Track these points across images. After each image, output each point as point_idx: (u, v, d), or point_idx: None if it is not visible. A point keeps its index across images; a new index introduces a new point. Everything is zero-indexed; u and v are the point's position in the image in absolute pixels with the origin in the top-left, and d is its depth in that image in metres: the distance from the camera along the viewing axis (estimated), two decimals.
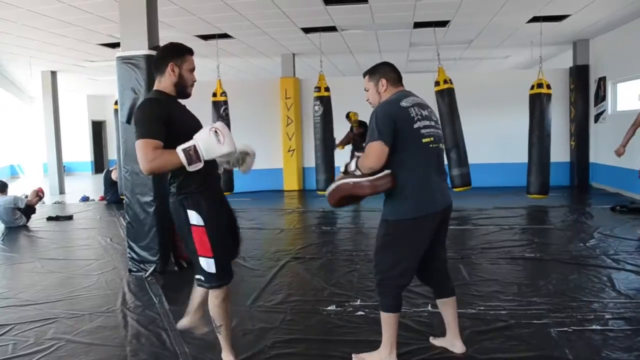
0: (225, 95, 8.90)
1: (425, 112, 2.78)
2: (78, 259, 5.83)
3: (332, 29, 8.73)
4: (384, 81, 2.90)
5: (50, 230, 7.67)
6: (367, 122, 2.83)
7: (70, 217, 8.58)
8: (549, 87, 7.75)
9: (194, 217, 2.69)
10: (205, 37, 9.01)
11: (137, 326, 3.67)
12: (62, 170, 13.27)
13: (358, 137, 8.56)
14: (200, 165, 2.55)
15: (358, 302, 3.94)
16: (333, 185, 2.85)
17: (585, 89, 10.39)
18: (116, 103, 8.60)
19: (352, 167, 2.79)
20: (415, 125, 2.70)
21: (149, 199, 5.01)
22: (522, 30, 9.19)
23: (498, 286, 4.23)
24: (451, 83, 7.61)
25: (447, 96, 7.55)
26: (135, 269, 5.04)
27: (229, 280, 2.81)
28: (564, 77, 10.58)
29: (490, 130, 10.66)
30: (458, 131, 7.54)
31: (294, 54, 11.15)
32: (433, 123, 2.80)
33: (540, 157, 7.77)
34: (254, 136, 9.59)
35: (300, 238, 6.71)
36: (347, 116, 8.61)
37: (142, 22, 4.99)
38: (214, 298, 2.80)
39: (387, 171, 2.70)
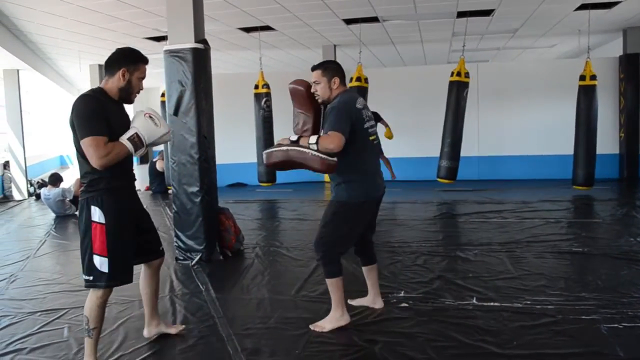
0: (268, 87, 8.90)
1: (369, 113, 3.26)
2: None
3: (374, 19, 8.67)
4: (336, 79, 3.25)
5: None
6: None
7: None
8: (592, 78, 7.57)
9: (97, 214, 2.71)
10: (247, 30, 9.08)
11: (185, 312, 3.78)
12: None
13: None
14: (143, 151, 2.75)
15: (402, 294, 3.94)
16: (281, 148, 3.13)
17: (636, 78, 9.98)
18: (163, 95, 8.79)
19: (313, 140, 3.02)
20: (365, 126, 3.18)
21: (195, 189, 5.10)
22: (570, 18, 8.90)
23: (545, 280, 4.15)
24: (467, 77, 7.42)
25: (460, 89, 7.43)
26: (181, 258, 5.17)
27: (124, 281, 2.81)
28: (613, 66, 10.21)
29: (535, 121, 10.42)
30: (460, 125, 7.49)
31: (335, 45, 11.11)
32: (373, 122, 3.28)
33: (587, 149, 7.87)
34: None
35: None
36: None
37: (188, 16, 5.08)
38: (97, 298, 2.75)
39: (335, 159, 3.05)
